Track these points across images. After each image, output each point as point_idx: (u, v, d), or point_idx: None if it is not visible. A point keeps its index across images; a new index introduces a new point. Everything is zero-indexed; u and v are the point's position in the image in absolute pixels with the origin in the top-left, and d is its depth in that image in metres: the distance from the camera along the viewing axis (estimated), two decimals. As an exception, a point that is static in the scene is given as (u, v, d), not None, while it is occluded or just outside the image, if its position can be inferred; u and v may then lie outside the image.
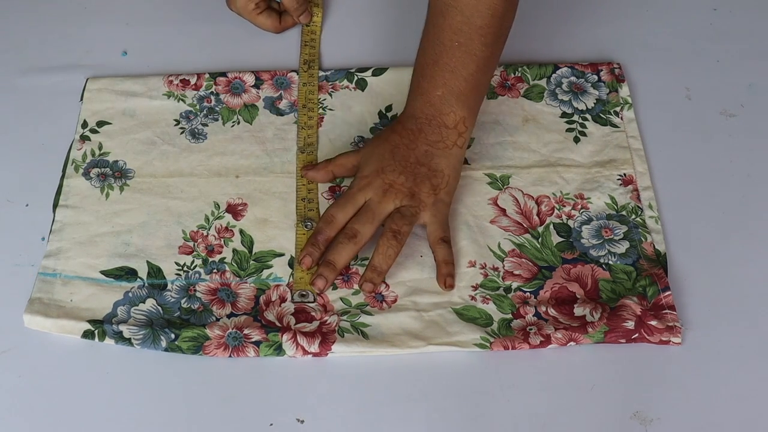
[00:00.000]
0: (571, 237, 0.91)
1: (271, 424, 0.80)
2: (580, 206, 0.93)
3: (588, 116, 1.00)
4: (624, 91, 1.02)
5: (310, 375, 0.83)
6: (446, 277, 0.87)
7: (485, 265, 0.89)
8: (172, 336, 0.84)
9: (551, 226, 0.92)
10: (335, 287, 0.88)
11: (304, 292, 0.87)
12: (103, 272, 0.89)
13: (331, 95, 1.03)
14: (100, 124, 1.00)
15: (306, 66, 1.04)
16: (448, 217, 0.91)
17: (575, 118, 1.00)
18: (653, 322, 0.84)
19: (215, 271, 0.89)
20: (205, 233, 0.92)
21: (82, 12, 1.12)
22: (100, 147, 0.98)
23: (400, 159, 0.90)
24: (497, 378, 0.82)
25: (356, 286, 0.88)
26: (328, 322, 0.85)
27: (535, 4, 1.11)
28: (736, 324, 0.85)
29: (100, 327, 0.84)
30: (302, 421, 0.80)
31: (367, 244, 0.88)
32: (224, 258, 0.90)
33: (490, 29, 0.87)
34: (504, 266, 0.89)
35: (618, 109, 1.01)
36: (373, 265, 0.87)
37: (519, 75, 1.04)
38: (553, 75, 1.04)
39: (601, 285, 0.88)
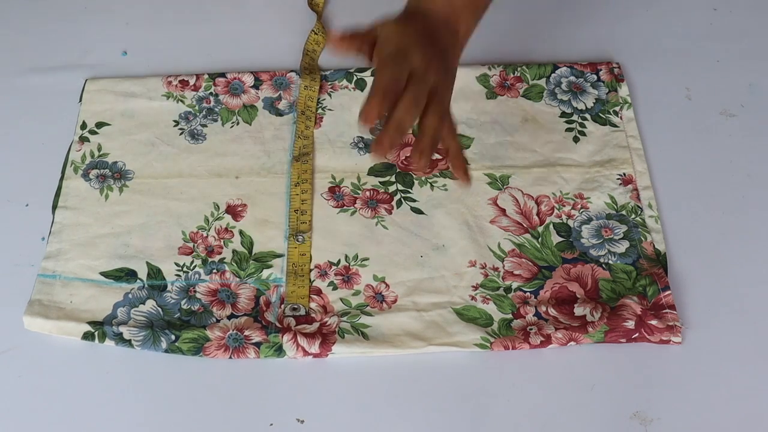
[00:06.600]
0: (571, 237, 0.91)
1: (271, 424, 0.80)
2: (579, 206, 0.93)
3: (587, 116, 1.00)
4: (623, 90, 1.02)
5: (310, 375, 0.83)
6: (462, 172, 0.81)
7: (485, 265, 0.89)
8: (173, 337, 0.84)
9: (551, 226, 0.92)
10: (335, 288, 0.88)
11: (295, 306, 0.86)
12: (102, 273, 0.89)
13: (330, 95, 1.03)
14: (99, 125, 1.00)
15: (307, 71, 1.04)
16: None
17: (575, 117, 1.00)
18: (653, 322, 0.84)
19: (215, 271, 0.89)
20: (204, 234, 0.92)
21: (82, 12, 1.12)
22: (99, 148, 0.98)
23: (422, 46, 0.80)
24: (497, 378, 0.82)
25: (356, 287, 0.88)
26: (328, 323, 0.85)
27: (534, 4, 1.11)
28: (736, 324, 0.85)
29: (100, 328, 0.84)
30: (302, 421, 0.80)
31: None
32: (224, 258, 0.90)
33: None
34: (504, 266, 0.89)
35: (617, 108, 1.01)
36: (394, 118, 0.76)
37: (518, 75, 1.03)
38: (553, 75, 1.03)
39: (601, 285, 0.88)
